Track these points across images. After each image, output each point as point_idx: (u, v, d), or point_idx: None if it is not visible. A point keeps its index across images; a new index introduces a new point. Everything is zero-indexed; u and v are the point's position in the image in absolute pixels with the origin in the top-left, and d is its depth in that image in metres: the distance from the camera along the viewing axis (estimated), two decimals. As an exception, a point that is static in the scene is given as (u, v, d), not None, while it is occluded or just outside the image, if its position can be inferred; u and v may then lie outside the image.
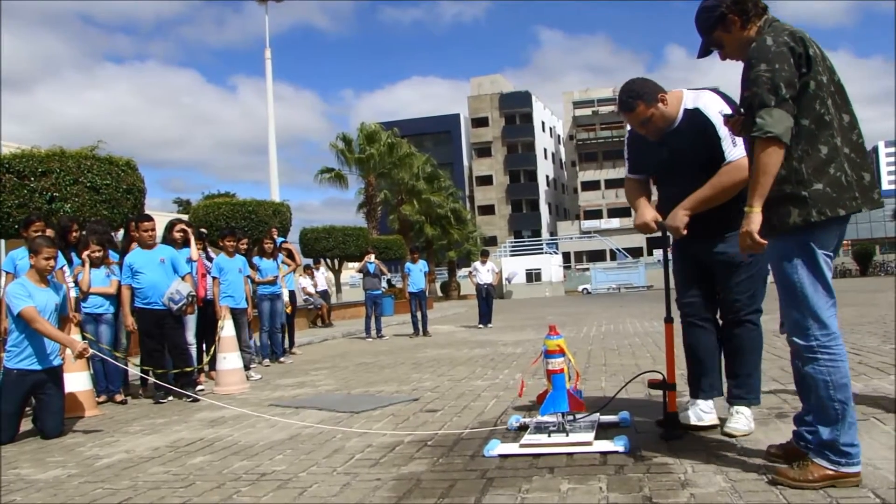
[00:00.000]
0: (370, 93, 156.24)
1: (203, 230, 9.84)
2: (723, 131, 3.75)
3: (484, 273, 17.08)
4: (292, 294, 12.48)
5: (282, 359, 10.81)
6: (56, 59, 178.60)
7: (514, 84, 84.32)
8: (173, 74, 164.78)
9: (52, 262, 5.89)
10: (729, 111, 3.69)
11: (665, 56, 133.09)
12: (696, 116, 3.86)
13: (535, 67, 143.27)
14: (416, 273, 15.10)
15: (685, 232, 3.87)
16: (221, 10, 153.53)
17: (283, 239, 13.64)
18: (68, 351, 6.04)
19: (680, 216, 3.86)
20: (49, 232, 7.05)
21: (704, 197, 3.83)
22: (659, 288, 41.13)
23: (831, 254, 3.03)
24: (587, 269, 53.31)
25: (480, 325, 16.37)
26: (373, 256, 15.08)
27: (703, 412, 4.15)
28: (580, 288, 48.79)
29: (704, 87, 4.03)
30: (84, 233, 7.76)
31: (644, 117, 3.91)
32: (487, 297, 16.85)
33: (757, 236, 2.91)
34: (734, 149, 3.74)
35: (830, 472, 2.96)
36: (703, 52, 3.38)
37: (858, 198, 2.95)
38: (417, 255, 15.83)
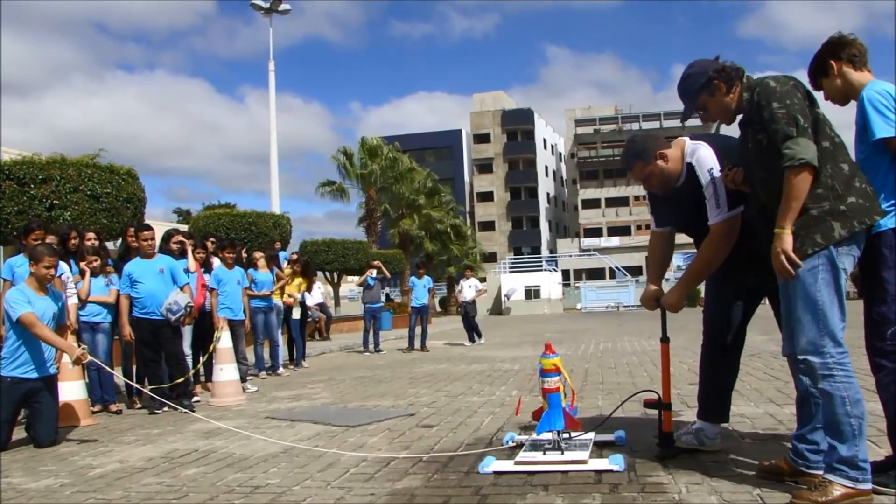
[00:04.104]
0: (377, 106, 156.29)
1: (213, 241, 9.79)
2: (708, 191, 3.77)
3: (466, 289, 16.63)
4: (303, 305, 12.47)
5: (279, 371, 10.80)
6: (67, 66, 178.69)
7: (516, 101, 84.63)
8: (183, 84, 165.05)
9: (52, 271, 5.89)
10: (718, 170, 3.72)
11: (672, 75, 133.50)
12: (691, 171, 3.89)
13: (542, 84, 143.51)
14: (420, 288, 15.08)
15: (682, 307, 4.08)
16: (232, 22, 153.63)
17: (286, 254, 13.64)
18: (65, 358, 6.03)
19: (675, 297, 4.04)
20: (51, 238, 7.03)
21: (696, 271, 3.93)
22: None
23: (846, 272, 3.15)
24: (578, 288, 53.10)
25: (467, 343, 15.98)
26: (374, 272, 14.93)
27: (707, 437, 4.12)
28: (578, 305, 48.67)
29: (704, 136, 4.02)
30: (90, 242, 7.77)
31: (643, 175, 3.99)
32: (465, 315, 16.38)
33: (793, 254, 3.05)
34: (716, 211, 3.74)
35: (850, 490, 2.99)
36: (687, 117, 3.70)
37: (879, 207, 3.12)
38: (423, 270, 15.80)
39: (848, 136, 3.29)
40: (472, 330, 16.23)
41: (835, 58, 3.44)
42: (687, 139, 3.98)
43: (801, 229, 3.08)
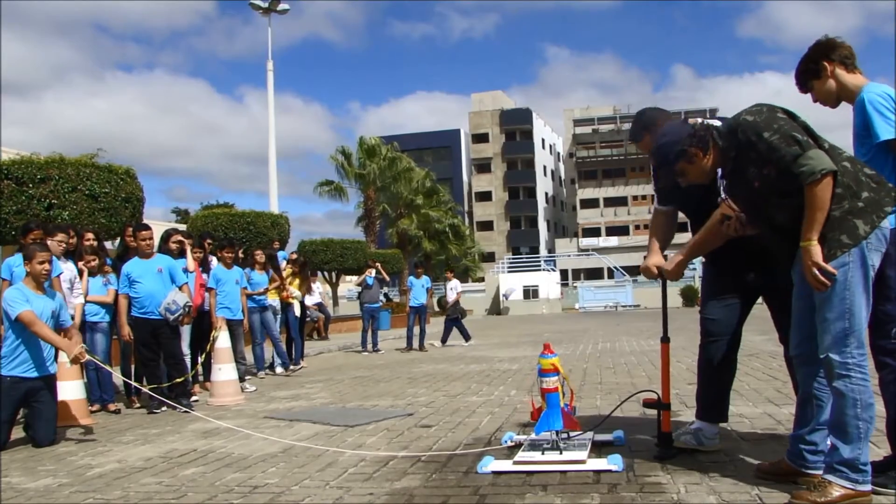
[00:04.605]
0: (376, 106, 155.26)
1: (209, 241, 9.78)
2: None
3: (448, 291, 16.61)
4: (302, 305, 12.45)
5: (291, 367, 10.85)
6: (67, 66, 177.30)
7: (515, 101, 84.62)
8: (182, 84, 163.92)
9: (46, 266, 5.87)
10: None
11: (672, 75, 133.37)
12: None
13: (542, 84, 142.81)
14: (419, 288, 15.05)
15: (683, 276, 4.08)
16: (232, 22, 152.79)
17: (285, 254, 13.62)
18: (63, 357, 6.02)
19: (676, 266, 4.02)
20: (61, 236, 7.02)
21: (698, 243, 3.92)
22: (651, 307, 41.02)
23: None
24: (575, 288, 53.01)
25: (463, 343, 15.74)
26: (373, 271, 14.91)
27: (705, 438, 4.11)
28: (577, 305, 48.63)
29: (711, 119, 4.02)
30: (89, 242, 7.77)
31: (651, 148, 3.96)
32: (446, 316, 16.30)
33: (826, 265, 3.02)
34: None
35: (850, 491, 2.99)
36: (667, 184, 3.81)
37: (887, 195, 3.10)
38: (421, 270, 15.76)
39: (839, 138, 3.30)
40: (446, 331, 15.94)
41: (827, 59, 3.44)
42: (698, 119, 4.00)
43: (827, 233, 3.05)
